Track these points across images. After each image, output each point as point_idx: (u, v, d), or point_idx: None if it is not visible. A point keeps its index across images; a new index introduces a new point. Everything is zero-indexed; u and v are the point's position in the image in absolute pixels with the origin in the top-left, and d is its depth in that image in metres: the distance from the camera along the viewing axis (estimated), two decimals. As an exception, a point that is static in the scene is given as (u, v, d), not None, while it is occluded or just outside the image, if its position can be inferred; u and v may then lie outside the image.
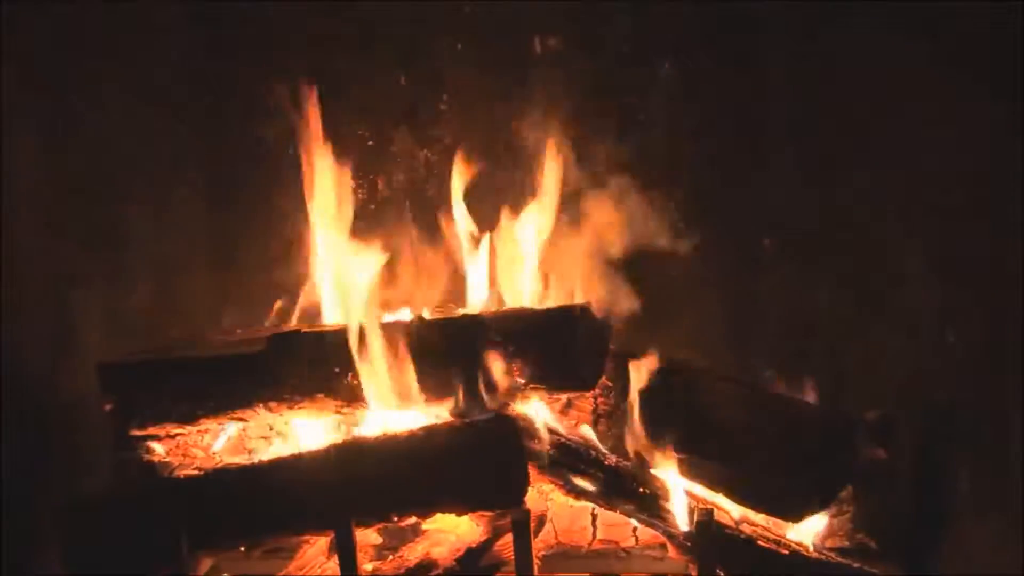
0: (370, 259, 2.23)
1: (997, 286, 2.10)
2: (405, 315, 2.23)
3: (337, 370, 2.04)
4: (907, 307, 2.25)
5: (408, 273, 2.41)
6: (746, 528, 2.01)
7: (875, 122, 2.29)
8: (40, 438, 2.30)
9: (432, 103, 2.46)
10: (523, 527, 1.86)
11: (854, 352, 2.31)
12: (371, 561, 2.00)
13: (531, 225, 2.33)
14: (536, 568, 1.90)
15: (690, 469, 2.08)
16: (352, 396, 2.06)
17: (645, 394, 2.09)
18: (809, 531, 2.09)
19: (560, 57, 2.42)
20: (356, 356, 2.01)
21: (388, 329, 2.05)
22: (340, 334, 2.05)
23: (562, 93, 2.39)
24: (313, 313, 2.35)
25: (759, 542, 1.95)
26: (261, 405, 2.08)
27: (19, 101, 2.29)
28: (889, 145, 2.28)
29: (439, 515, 1.95)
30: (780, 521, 2.07)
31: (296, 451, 2.05)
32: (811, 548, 2.02)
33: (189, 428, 2.11)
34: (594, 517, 2.12)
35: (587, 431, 2.19)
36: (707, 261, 2.42)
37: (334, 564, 1.92)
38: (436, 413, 2.08)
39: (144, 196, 2.46)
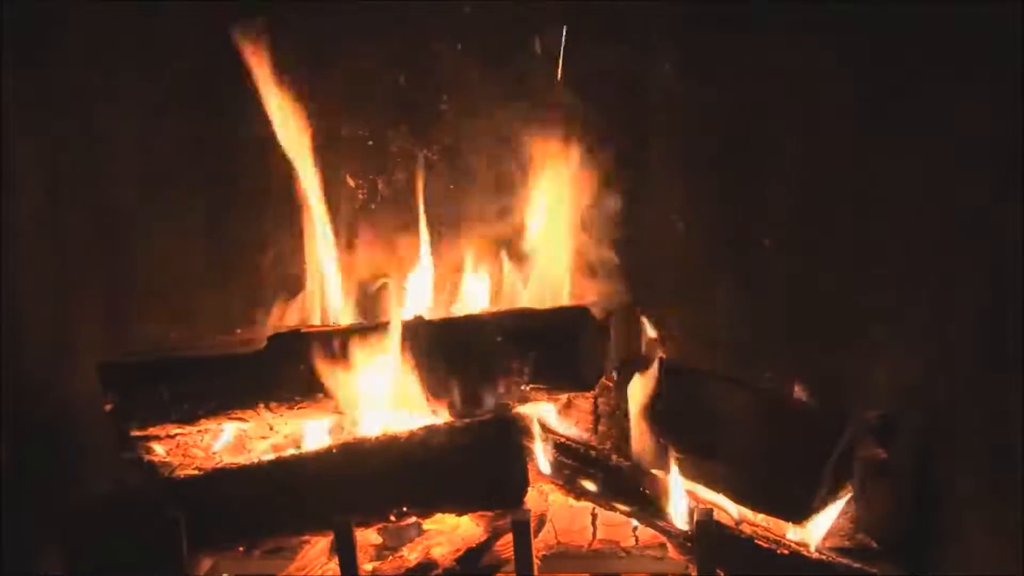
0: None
1: (997, 284, 2.10)
2: (406, 314, 2.24)
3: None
4: (907, 306, 2.25)
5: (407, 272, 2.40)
6: (746, 528, 2.01)
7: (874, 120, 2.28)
8: (40, 438, 2.30)
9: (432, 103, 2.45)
10: (523, 527, 1.86)
11: (854, 352, 2.30)
12: (371, 561, 2.00)
13: (531, 224, 2.34)
14: (536, 568, 1.90)
15: (690, 469, 2.08)
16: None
17: (645, 395, 2.09)
18: (809, 531, 2.09)
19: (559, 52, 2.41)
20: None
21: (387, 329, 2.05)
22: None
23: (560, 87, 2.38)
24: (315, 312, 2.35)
25: (759, 542, 1.95)
26: (261, 405, 2.08)
27: (20, 103, 2.29)
28: (888, 142, 2.28)
29: (439, 515, 1.95)
30: (780, 521, 2.08)
31: (296, 451, 2.05)
32: (811, 548, 2.02)
33: (189, 428, 2.12)
34: (594, 517, 2.12)
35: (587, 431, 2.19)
36: (707, 259, 2.42)
37: (334, 564, 1.93)
38: (435, 413, 2.08)
39: (145, 196, 2.46)
